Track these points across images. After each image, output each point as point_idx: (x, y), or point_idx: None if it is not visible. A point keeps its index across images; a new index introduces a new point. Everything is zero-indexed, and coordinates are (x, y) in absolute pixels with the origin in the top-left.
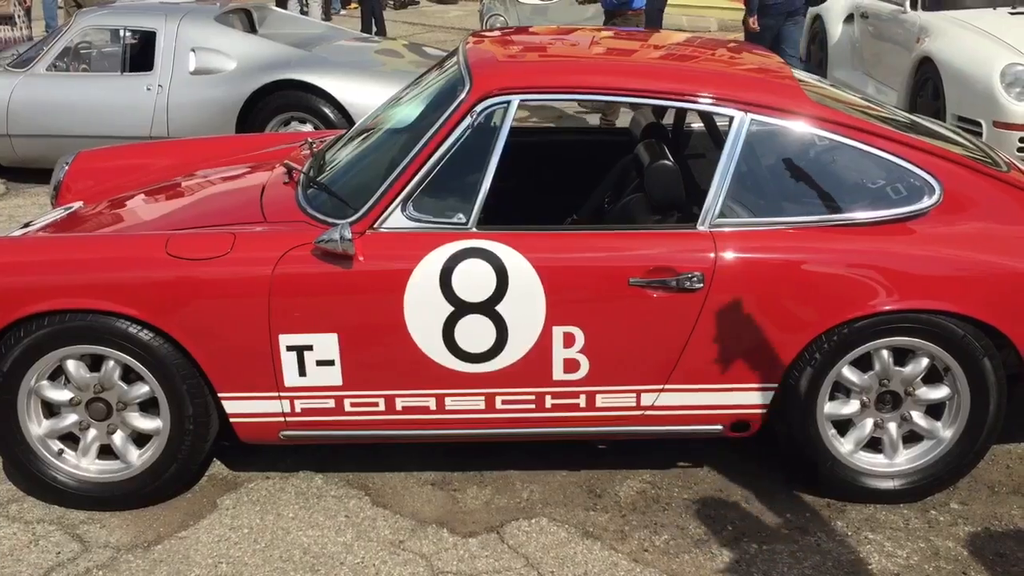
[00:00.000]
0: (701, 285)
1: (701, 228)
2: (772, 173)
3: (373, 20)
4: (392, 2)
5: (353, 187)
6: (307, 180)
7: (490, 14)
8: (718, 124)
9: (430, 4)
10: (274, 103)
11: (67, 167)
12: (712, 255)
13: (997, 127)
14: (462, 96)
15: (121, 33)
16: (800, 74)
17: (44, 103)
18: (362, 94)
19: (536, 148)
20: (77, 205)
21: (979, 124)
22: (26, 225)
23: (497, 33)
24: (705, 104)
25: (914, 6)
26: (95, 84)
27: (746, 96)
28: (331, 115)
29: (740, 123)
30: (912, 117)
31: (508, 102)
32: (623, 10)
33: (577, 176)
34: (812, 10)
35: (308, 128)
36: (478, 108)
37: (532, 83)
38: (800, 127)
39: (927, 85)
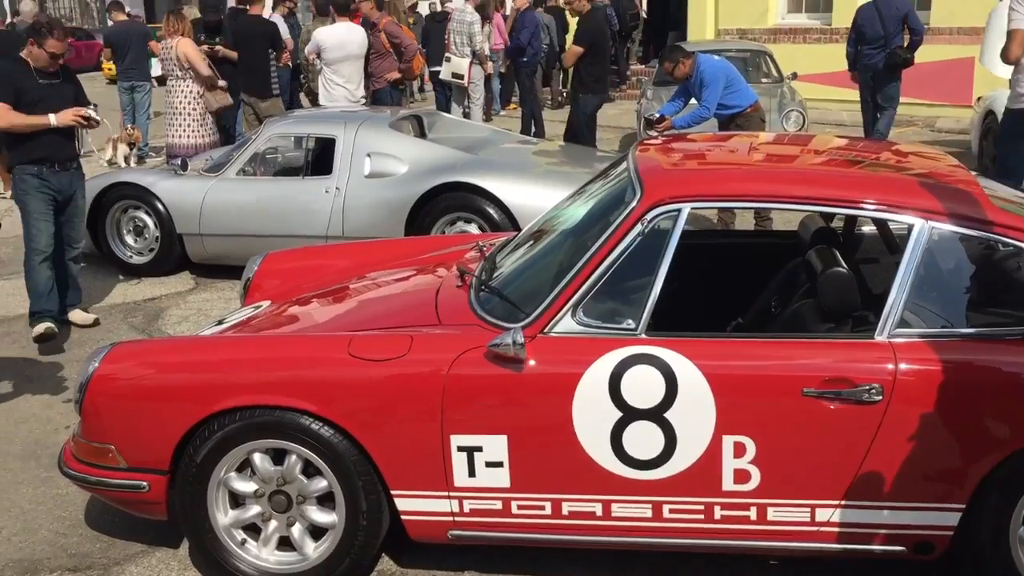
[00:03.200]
0: (880, 397)
1: (879, 338)
2: (954, 282)
3: (532, 120)
4: (550, 101)
5: (524, 291)
6: (479, 283)
7: (648, 114)
8: (893, 230)
9: None
10: (442, 204)
11: (256, 267)
12: (891, 366)
13: None
14: (633, 204)
15: (304, 140)
16: (983, 180)
17: (233, 205)
18: (523, 195)
19: (700, 250)
20: (265, 304)
21: None
22: (219, 322)
23: (660, 142)
24: (882, 211)
25: None
26: (279, 187)
27: (926, 203)
28: (495, 215)
29: (920, 230)
30: None
31: (678, 210)
32: (738, 113)
33: (743, 279)
34: (983, 103)
35: (473, 227)
36: (648, 216)
37: (702, 191)
38: (984, 235)
39: None
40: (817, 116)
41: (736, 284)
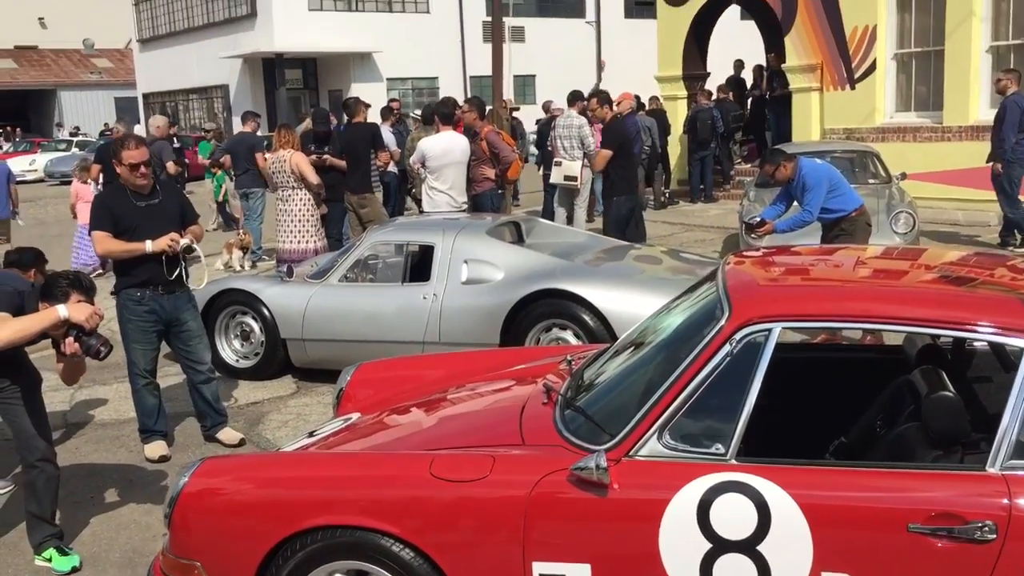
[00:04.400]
0: (994, 536)
1: (991, 470)
2: None
3: (634, 221)
4: (652, 202)
5: (609, 411)
6: (565, 402)
7: (749, 217)
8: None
9: (689, 204)
10: (537, 311)
11: (349, 377)
12: (1006, 501)
13: None
14: (721, 323)
15: (404, 247)
16: None
17: (335, 310)
18: (621, 302)
19: (798, 364)
20: (355, 416)
21: None
22: (310, 434)
23: (758, 253)
24: (988, 334)
25: None
26: (379, 293)
27: None
28: (591, 322)
29: None
30: None
31: (769, 330)
32: (841, 217)
33: (844, 396)
34: None
35: (569, 334)
36: (737, 336)
37: (794, 310)
38: None
39: None
40: (930, 216)
41: (837, 402)
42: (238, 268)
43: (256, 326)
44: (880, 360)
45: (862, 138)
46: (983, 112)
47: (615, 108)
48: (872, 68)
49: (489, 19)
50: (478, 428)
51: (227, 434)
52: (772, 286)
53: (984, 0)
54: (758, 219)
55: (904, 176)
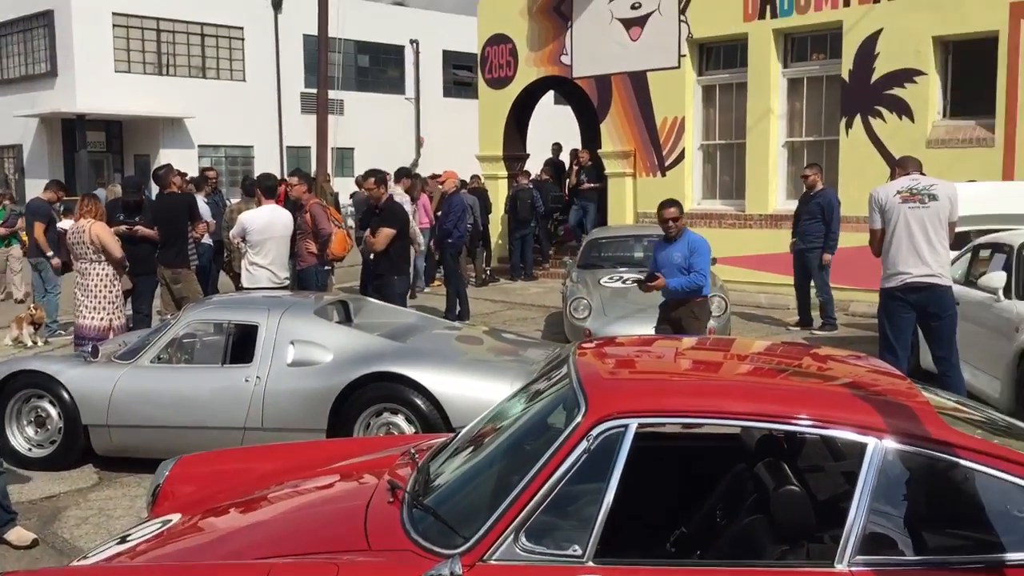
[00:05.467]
0: None
1: (839, 567)
2: (914, 506)
3: (458, 299)
4: (473, 279)
5: (461, 511)
6: (412, 499)
7: (573, 297)
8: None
9: (510, 282)
10: (367, 394)
11: (167, 472)
12: None
13: None
14: (578, 419)
15: (225, 326)
16: (929, 393)
17: (145, 394)
18: (452, 385)
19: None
20: (175, 518)
21: None
22: (123, 539)
23: (595, 345)
24: (840, 431)
25: (1008, 295)
26: (196, 375)
27: (881, 422)
28: (423, 407)
29: (875, 451)
30: (1013, 422)
31: (625, 426)
32: (697, 296)
33: (685, 484)
34: None
35: (400, 419)
36: (594, 432)
37: (650, 406)
38: (940, 456)
39: None
40: (736, 298)
41: (678, 490)
42: (29, 344)
43: (53, 411)
44: (720, 449)
45: None
46: (780, 202)
47: (441, 186)
48: (681, 157)
49: (307, 90)
50: (318, 531)
51: (17, 534)
52: (624, 381)
53: (780, 99)
54: (646, 275)
55: (715, 261)
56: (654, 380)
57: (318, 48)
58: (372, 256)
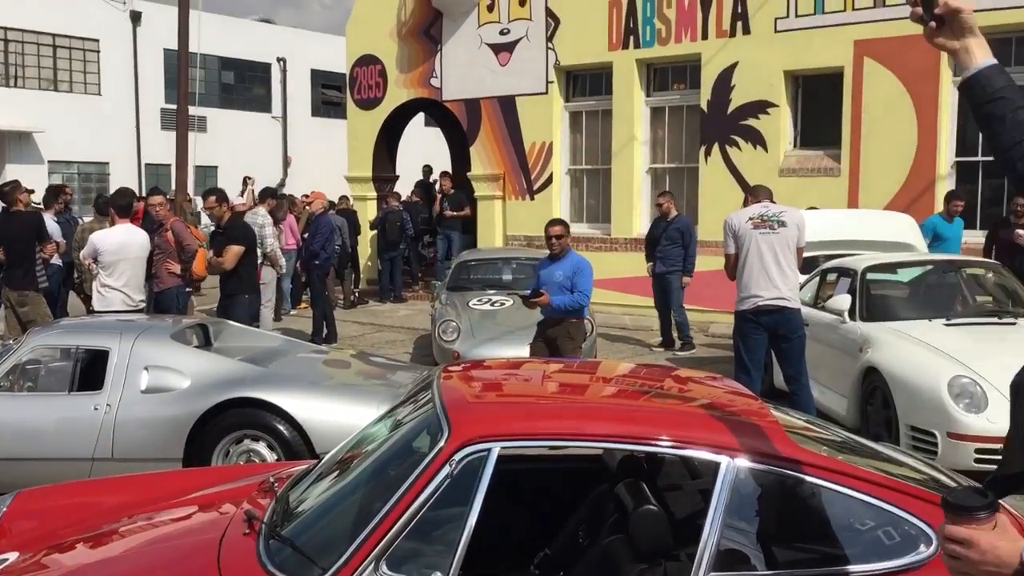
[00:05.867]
0: None
1: None
2: (764, 522)
3: (325, 322)
4: (341, 302)
5: (321, 541)
6: (269, 530)
7: (442, 319)
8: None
9: (379, 304)
10: (227, 421)
11: (5, 509)
12: None
13: (951, 438)
14: (441, 444)
15: (73, 351)
16: (779, 413)
17: None
18: (317, 411)
19: (505, 476)
20: (12, 557)
21: (933, 435)
22: None
23: (461, 368)
24: (696, 450)
25: (853, 316)
26: (40, 404)
27: (735, 442)
28: (286, 433)
29: (727, 470)
30: (858, 440)
31: (488, 450)
32: (571, 316)
33: (549, 506)
34: None
35: (262, 446)
36: (457, 457)
37: (513, 430)
38: (789, 473)
39: (876, 394)
40: (602, 320)
41: (543, 512)
42: None
43: None
44: (583, 470)
45: (541, 245)
46: (644, 226)
47: (308, 207)
48: (549, 181)
49: (167, 106)
50: (169, 566)
51: None
52: (488, 405)
53: (644, 127)
54: (530, 291)
55: None
56: (518, 404)
57: (178, 63)
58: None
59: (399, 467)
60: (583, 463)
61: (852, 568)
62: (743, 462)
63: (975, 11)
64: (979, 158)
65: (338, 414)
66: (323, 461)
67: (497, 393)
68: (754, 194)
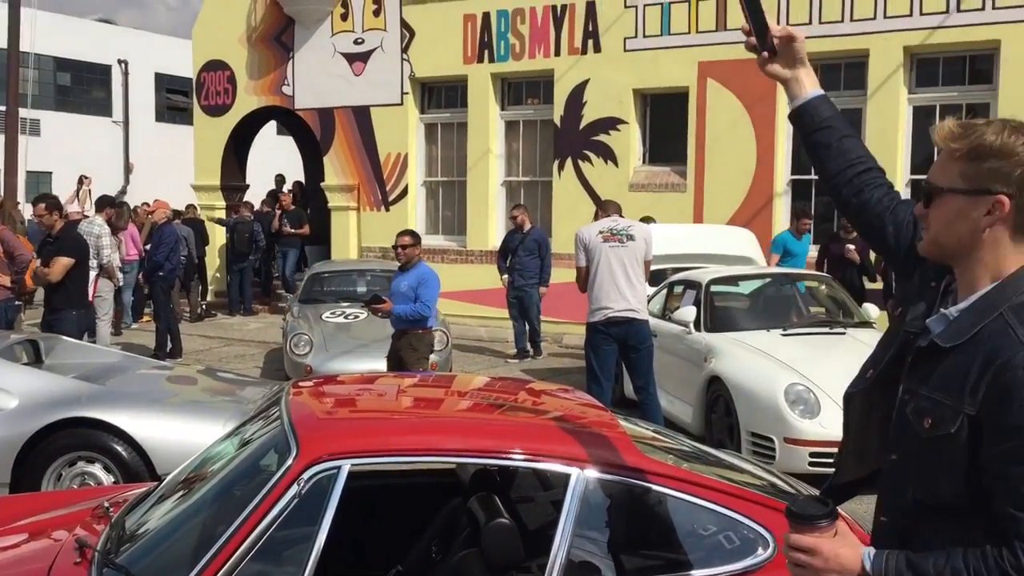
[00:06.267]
0: None
1: None
2: (613, 531)
3: (169, 336)
4: (187, 314)
5: (159, 567)
6: (102, 559)
7: (294, 333)
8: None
9: (228, 317)
10: (59, 442)
11: None
12: None
13: (788, 443)
14: (288, 462)
15: None
16: (624, 422)
17: None
18: (158, 430)
19: (356, 492)
20: None
21: (771, 440)
22: None
23: (312, 384)
24: (547, 463)
25: (698, 327)
26: None
27: (583, 453)
28: (125, 454)
29: (577, 481)
30: (702, 448)
31: (338, 468)
32: (418, 328)
33: (402, 521)
34: None
35: (98, 469)
36: (305, 476)
37: (363, 447)
38: (636, 483)
39: (719, 402)
40: (459, 332)
41: (395, 527)
42: None
43: None
44: (436, 485)
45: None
46: (499, 238)
47: (151, 216)
48: (404, 192)
49: None
50: None
51: None
52: (337, 421)
53: (499, 140)
54: (375, 296)
55: None
56: (369, 420)
57: (8, 62)
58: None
59: (245, 487)
60: (436, 477)
61: (695, 573)
62: (592, 473)
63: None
64: (812, 176)
65: (182, 433)
66: (164, 483)
67: (348, 409)
68: (604, 208)
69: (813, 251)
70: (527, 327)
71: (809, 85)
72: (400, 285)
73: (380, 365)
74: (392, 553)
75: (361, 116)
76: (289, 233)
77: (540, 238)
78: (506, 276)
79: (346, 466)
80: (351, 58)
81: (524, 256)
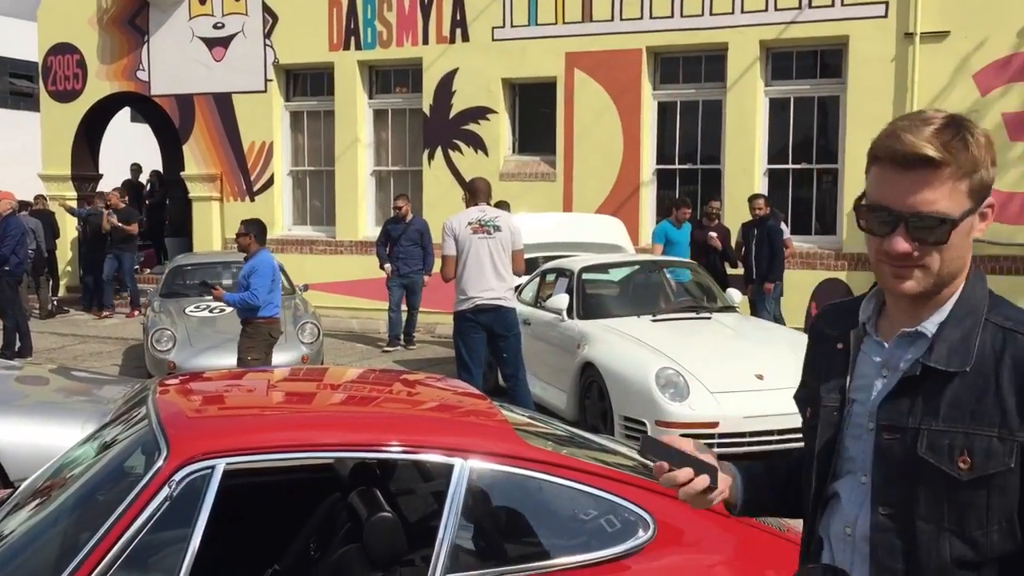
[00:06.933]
0: None
1: None
2: (496, 520)
3: (18, 334)
4: (38, 311)
5: None
6: None
7: (155, 328)
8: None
9: (83, 313)
10: None
11: None
12: None
13: (659, 426)
14: (158, 464)
15: None
16: (506, 411)
17: None
18: (8, 433)
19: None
20: None
21: (643, 423)
22: None
23: (178, 381)
24: (429, 454)
25: (571, 315)
26: None
27: (465, 443)
28: None
29: (460, 471)
30: (577, 433)
31: (212, 467)
32: (252, 317)
33: (279, 519)
34: None
35: None
36: (177, 477)
37: (237, 445)
38: (519, 471)
39: (592, 387)
40: (330, 324)
41: (275, 526)
42: None
43: None
44: (313, 480)
45: None
46: (370, 228)
47: None
48: (270, 182)
49: None
50: None
51: None
52: (209, 418)
53: (367, 129)
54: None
55: (307, 287)
56: (243, 416)
57: None
58: None
59: (111, 491)
60: (314, 473)
61: (579, 557)
62: (475, 463)
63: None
64: (676, 166)
65: (35, 436)
66: (19, 490)
67: (219, 406)
68: (473, 195)
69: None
70: (405, 317)
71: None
72: (240, 274)
73: None
74: (270, 553)
75: (223, 103)
76: (121, 231)
77: (422, 227)
78: (388, 265)
79: (220, 465)
80: (211, 43)
81: (407, 245)
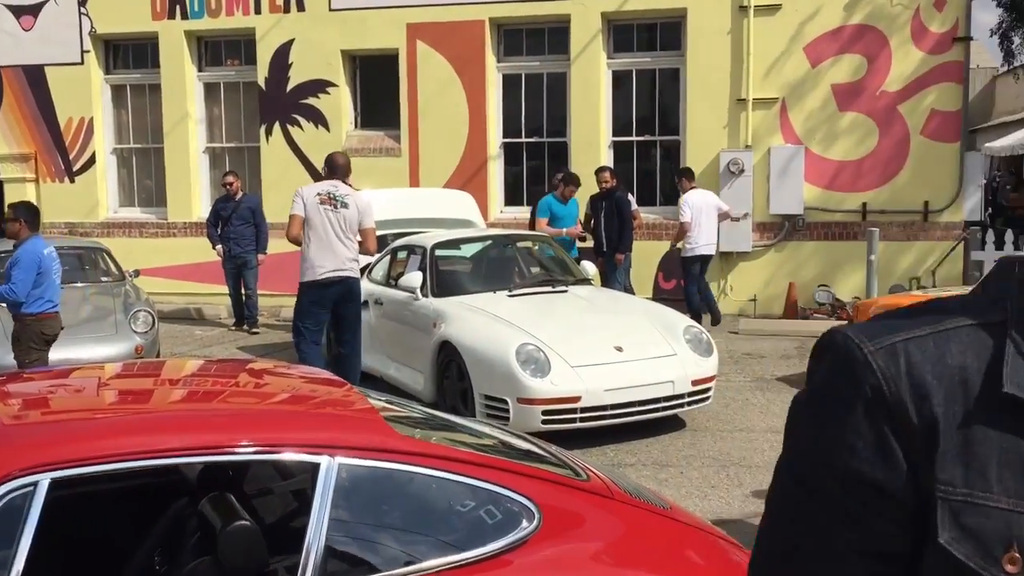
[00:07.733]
0: None
1: None
2: (368, 518)
3: None
4: None
5: None
6: None
7: None
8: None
9: None
10: None
11: None
12: None
13: (521, 403)
14: None
15: None
16: (372, 399)
17: None
18: None
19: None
20: None
21: (505, 401)
22: None
23: None
24: (289, 454)
25: (425, 293)
26: None
27: (333, 438)
28: None
29: (328, 470)
30: (436, 414)
31: (35, 483)
32: (18, 314)
33: (124, 533)
34: None
35: None
36: None
37: (63, 456)
38: (392, 465)
39: (451, 366)
40: (166, 311)
41: (114, 541)
42: None
43: None
44: (155, 484)
45: (87, 233)
46: (204, 209)
47: None
48: (92, 161)
49: None
50: None
51: None
52: (32, 427)
53: (198, 104)
54: None
55: (138, 273)
56: (68, 422)
57: None
58: None
59: None
60: (158, 477)
61: (459, 556)
62: (344, 460)
63: None
64: (523, 140)
65: None
66: None
67: (41, 411)
68: (332, 169)
69: (515, 212)
70: (244, 296)
71: None
72: (7, 265)
73: (71, 355)
74: (108, 570)
75: (34, 77)
76: None
77: (254, 204)
78: (220, 246)
79: (44, 480)
80: (17, 11)
81: (238, 224)
